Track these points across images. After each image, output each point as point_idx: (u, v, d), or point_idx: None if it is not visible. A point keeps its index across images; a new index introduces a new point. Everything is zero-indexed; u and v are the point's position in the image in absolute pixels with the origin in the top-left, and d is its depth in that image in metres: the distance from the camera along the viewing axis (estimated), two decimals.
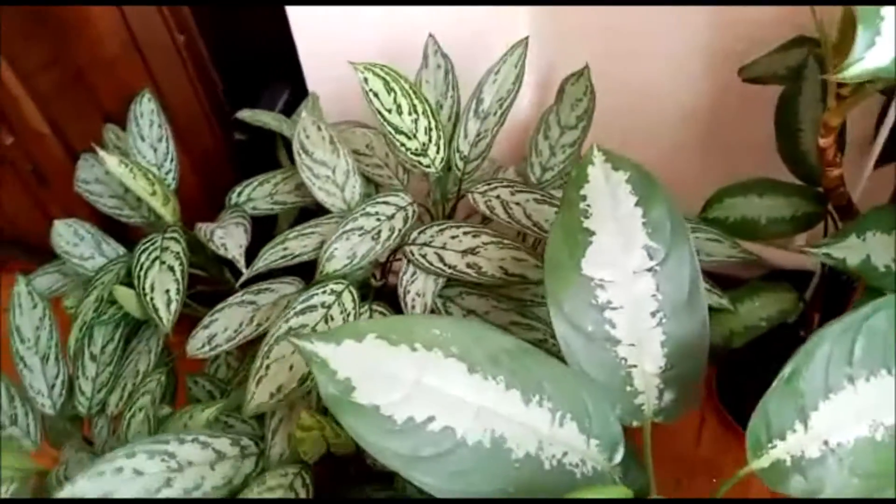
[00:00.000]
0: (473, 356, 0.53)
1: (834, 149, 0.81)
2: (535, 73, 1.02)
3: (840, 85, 0.75)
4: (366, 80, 0.75)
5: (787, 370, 0.51)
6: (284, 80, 1.12)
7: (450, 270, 0.75)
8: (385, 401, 0.51)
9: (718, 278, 0.91)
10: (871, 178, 0.97)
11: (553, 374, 0.55)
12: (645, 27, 0.94)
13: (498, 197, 0.80)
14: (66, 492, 0.67)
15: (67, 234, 0.90)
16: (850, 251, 0.74)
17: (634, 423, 0.59)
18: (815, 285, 1.03)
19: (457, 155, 0.84)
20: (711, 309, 0.88)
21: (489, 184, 0.82)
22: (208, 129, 1.11)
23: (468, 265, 0.75)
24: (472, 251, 0.76)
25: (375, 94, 0.76)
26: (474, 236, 0.77)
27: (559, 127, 0.93)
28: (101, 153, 0.82)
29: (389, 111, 0.77)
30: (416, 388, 0.51)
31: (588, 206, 0.61)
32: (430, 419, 0.51)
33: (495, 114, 0.84)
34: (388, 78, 0.76)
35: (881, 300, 0.52)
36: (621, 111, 1.01)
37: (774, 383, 0.51)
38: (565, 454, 0.53)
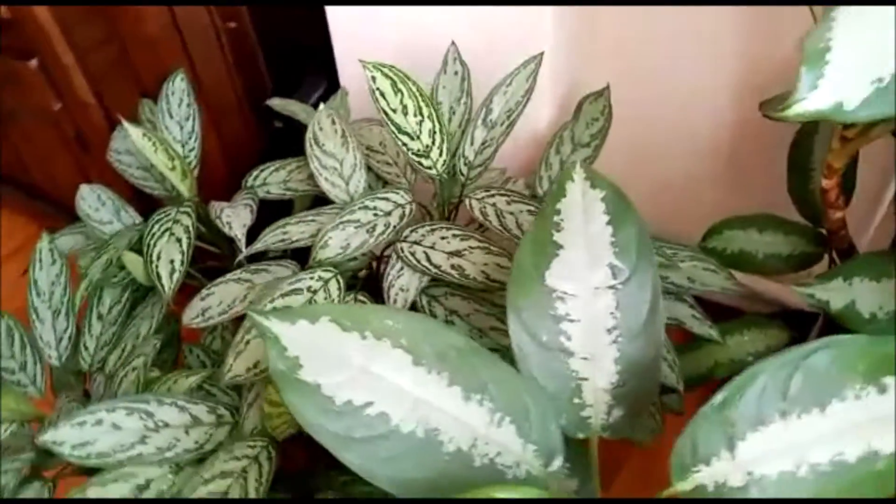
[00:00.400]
0: (421, 349, 0.55)
1: (837, 191, 0.80)
2: (558, 90, 1.03)
3: (845, 126, 0.75)
4: (373, 78, 0.78)
5: (719, 397, 0.51)
6: (323, 74, 1.16)
7: (434, 270, 0.77)
8: (328, 381, 0.53)
9: (723, 309, 0.90)
10: (880, 227, 0.96)
11: (499, 376, 0.57)
12: (671, 60, 0.95)
13: (494, 205, 0.82)
14: (48, 436, 0.72)
15: (91, 199, 0.96)
16: (835, 294, 0.74)
17: (580, 435, 0.61)
18: (819, 325, 1.02)
19: (461, 160, 0.86)
20: (700, 339, 0.88)
21: (487, 191, 0.83)
22: (240, 115, 1.15)
23: (452, 266, 0.77)
24: (457, 253, 0.78)
25: (382, 94, 0.79)
26: (462, 239, 0.79)
27: (572, 143, 0.94)
28: (127, 125, 0.87)
29: (395, 111, 0.80)
30: (361, 373, 0.54)
31: (561, 219, 0.63)
32: (368, 404, 0.53)
33: (502, 124, 0.85)
34: (396, 79, 0.79)
35: (825, 339, 0.52)
36: (638, 135, 1.01)
37: (705, 407, 0.51)
38: (498, 454, 0.55)
